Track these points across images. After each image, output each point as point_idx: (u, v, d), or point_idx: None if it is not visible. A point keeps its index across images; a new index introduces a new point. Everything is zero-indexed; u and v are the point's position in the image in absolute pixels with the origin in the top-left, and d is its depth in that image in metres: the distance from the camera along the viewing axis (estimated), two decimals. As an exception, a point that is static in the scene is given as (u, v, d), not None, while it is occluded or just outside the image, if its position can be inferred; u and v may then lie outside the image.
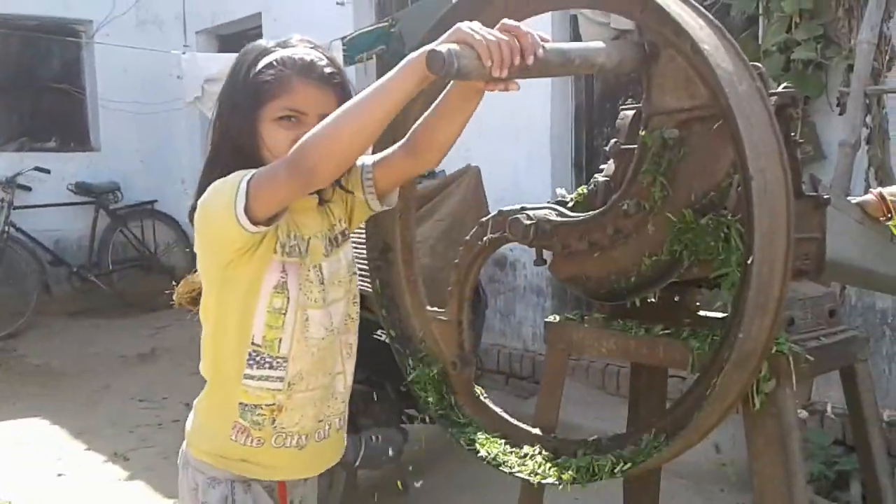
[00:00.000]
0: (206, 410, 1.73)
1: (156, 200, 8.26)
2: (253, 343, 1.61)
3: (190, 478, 1.71)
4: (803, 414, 3.34)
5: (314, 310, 1.64)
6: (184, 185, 8.58)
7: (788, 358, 1.64)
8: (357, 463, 3.35)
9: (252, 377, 1.62)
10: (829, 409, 3.58)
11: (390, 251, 2.20)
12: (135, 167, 8.35)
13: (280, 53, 1.59)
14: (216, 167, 1.60)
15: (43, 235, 7.59)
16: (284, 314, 1.60)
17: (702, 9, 1.63)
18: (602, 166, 2.01)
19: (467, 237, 2.07)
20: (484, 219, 2.02)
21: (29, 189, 7.65)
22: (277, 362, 1.62)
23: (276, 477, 1.70)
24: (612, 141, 1.95)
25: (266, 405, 1.63)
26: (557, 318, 2.09)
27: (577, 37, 4.55)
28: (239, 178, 1.50)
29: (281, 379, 1.62)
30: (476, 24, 1.35)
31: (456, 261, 2.09)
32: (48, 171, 7.69)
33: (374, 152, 1.74)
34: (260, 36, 7.67)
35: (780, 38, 3.76)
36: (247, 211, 1.48)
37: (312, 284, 1.63)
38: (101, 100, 8.25)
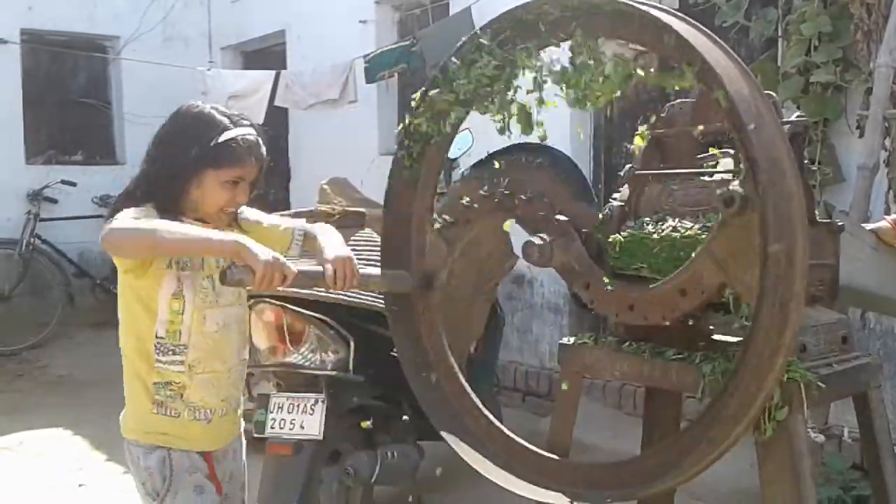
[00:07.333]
0: (130, 396, 2.11)
1: (178, 214, 8.35)
2: (157, 337, 2.03)
3: (131, 455, 2.11)
4: (821, 438, 3.31)
5: (210, 310, 2.06)
6: (206, 199, 8.66)
7: (800, 385, 1.65)
8: (374, 479, 3.36)
9: (161, 361, 2.04)
10: (846, 433, 3.55)
11: None
12: (159, 181, 8.44)
13: (238, 132, 2.05)
14: (134, 198, 2.05)
15: (68, 247, 7.70)
16: (182, 314, 2.03)
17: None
18: (615, 194, 2.04)
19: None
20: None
21: (55, 202, 7.77)
22: (179, 349, 2.04)
23: (193, 448, 2.09)
24: (627, 167, 1.98)
25: (175, 383, 2.05)
26: (572, 340, 2.11)
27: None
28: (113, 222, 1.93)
29: (182, 362, 2.05)
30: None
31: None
32: (74, 185, 7.81)
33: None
34: (284, 53, 7.74)
35: (799, 60, 3.76)
36: None
37: (207, 291, 2.05)
38: (127, 114, 8.36)
